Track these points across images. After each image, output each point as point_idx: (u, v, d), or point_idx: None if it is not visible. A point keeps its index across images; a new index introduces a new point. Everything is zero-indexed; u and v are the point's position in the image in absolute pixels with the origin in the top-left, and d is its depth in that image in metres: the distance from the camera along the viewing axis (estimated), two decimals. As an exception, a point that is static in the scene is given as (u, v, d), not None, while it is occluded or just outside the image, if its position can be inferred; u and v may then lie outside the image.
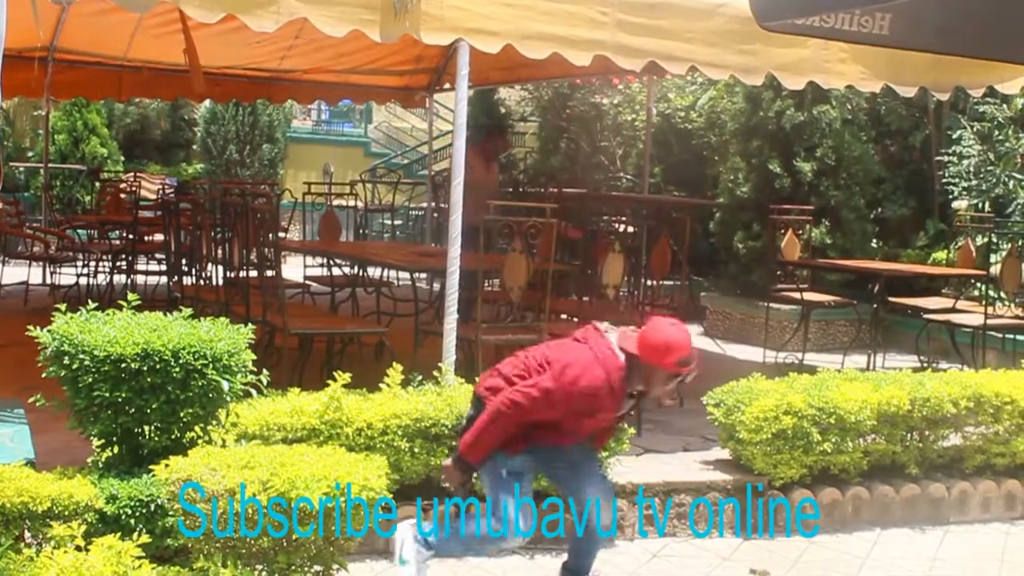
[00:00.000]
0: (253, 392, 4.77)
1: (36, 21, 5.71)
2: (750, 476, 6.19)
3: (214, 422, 4.71)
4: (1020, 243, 9.49)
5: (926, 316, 9.59)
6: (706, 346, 10.86)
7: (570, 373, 4.47)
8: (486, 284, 7.45)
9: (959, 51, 4.51)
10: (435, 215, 13.00)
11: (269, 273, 7.20)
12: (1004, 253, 9.55)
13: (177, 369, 4.40)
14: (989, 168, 11.30)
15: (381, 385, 5.56)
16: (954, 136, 11.65)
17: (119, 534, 3.97)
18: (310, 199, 11.83)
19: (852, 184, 11.58)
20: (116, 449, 4.64)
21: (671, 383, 4.58)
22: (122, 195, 13.38)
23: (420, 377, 5.80)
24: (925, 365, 9.29)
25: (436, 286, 9.75)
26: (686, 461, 6.49)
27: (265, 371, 4.75)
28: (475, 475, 4.82)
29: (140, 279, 10.79)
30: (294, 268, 10.40)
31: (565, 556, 5.45)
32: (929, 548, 6.15)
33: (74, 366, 4.39)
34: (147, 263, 11.12)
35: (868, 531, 6.30)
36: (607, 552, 5.67)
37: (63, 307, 4.63)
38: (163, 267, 10.36)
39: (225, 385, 4.51)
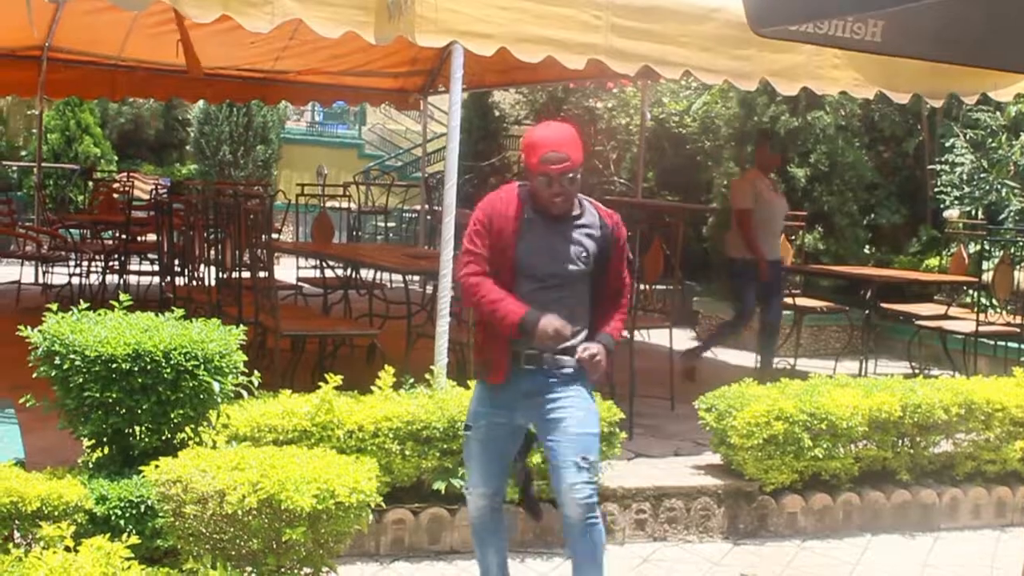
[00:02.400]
0: (244, 393, 4.76)
1: (30, 20, 5.71)
2: (741, 481, 6.19)
3: (205, 423, 4.70)
4: (1012, 250, 9.51)
5: (918, 322, 9.61)
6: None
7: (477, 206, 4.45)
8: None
9: (952, 59, 4.50)
10: (428, 217, 12.99)
11: (262, 274, 7.19)
12: (996, 260, 9.57)
13: (168, 370, 4.39)
14: (982, 175, 11.32)
15: (373, 387, 5.55)
16: (947, 144, 11.67)
17: (109, 535, 3.95)
18: (303, 200, 11.84)
19: (845, 190, 11.60)
20: (106, 449, 4.63)
21: (548, 186, 4.29)
22: (115, 195, 13.38)
23: (412, 380, 5.80)
24: (917, 371, 9.31)
25: (429, 288, 9.73)
26: (677, 466, 6.48)
27: (256, 372, 4.74)
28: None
29: (132, 279, 10.78)
30: (287, 269, 10.39)
31: (558, 560, 5.46)
32: (919, 554, 6.16)
33: (65, 366, 4.38)
34: (140, 263, 11.12)
35: (859, 537, 6.30)
36: (597, 556, 5.68)
37: (54, 307, 4.61)
38: (155, 267, 10.34)
39: (216, 386, 4.50)
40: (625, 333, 7.37)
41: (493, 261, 4.35)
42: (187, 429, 4.65)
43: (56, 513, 4.13)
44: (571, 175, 4.31)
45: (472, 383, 5.61)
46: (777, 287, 9.05)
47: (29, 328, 4.50)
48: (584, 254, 4.40)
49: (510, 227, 4.35)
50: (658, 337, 8.58)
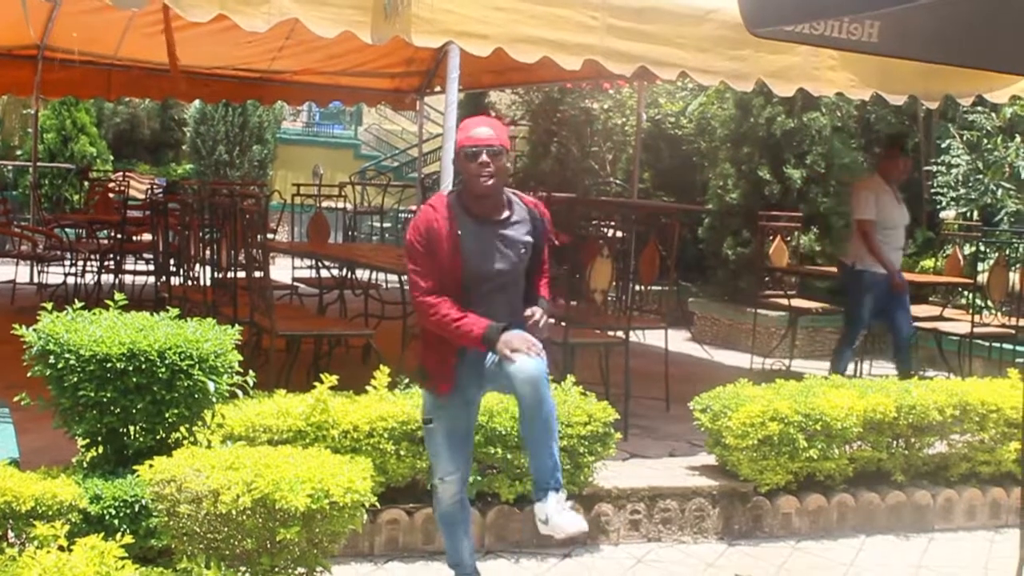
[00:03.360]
0: (239, 393, 4.75)
1: (26, 19, 5.71)
2: (736, 482, 6.19)
3: (199, 423, 4.70)
4: (1007, 252, 9.52)
5: (913, 324, 9.61)
6: (694, 351, 10.89)
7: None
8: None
9: (948, 60, 4.51)
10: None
11: (257, 274, 7.18)
12: (991, 262, 9.58)
13: (163, 369, 4.39)
14: (978, 177, 11.34)
15: (368, 388, 5.55)
16: (943, 145, 11.68)
17: (103, 534, 3.95)
18: (299, 200, 11.83)
19: (841, 191, 11.60)
20: (101, 449, 4.63)
21: (475, 159, 4.39)
22: (111, 195, 13.37)
23: (407, 380, 5.79)
24: (911, 372, 9.31)
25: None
26: (672, 466, 6.49)
27: (251, 372, 4.74)
28: None
29: (128, 279, 10.77)
30: (282, 269, 10.38)
31: (553, 560, 5.47)
32: (914, 555, 6.16)
33: (59, 365, 4.37)
34: (135, 263, 11.11)
35: (853, 538, 6.30)
36: (591, 557, 5.69)
37: (49, 306, 4.61)
38: (151, 267, 10.34)
39: (211, 386, 4.50)
40: (620, 333, 7.39)
41: (437, 275, 4.44)
42: (182, 429, 4.64)
43: (50, 512, 4.12)
44: (495, 148, 4.41)
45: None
46: (903, 301, 8.54)
47: (24, 327, 4.49)
48: (524, 251, 4.55)
49: (446, 241, 4.44)
50: (653, 338, 8.60)
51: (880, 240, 8.39)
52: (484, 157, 4.40)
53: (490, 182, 4.43)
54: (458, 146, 4.51)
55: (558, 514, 4.42)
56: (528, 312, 4.48)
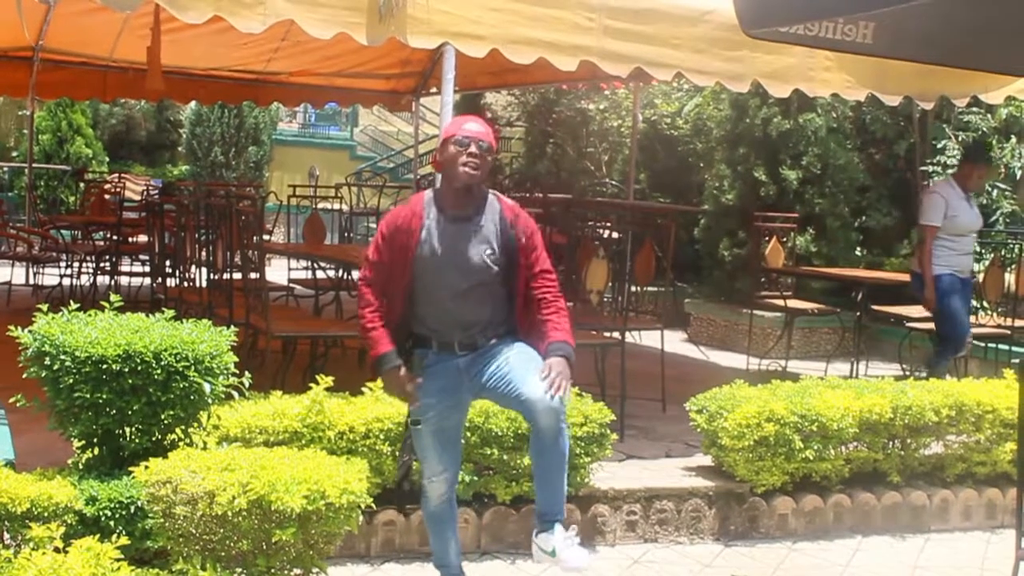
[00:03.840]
0: (235, 395, 4.75)
1: (22, 20, 5.70)
2: (732, 483, 6.20)
3: (195, 424, 4.69)
4: (1003, 253, 9.53)
5: (909, 324, 9.61)
6: (690, 352, 10.89)
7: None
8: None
9: (942, 60, 4.52)
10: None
11: (253, 275, 7.18)
12: (987, 263, 9.58)
13: (159, 371, 4.38)
14: (973, 177, 11.34)
15: (364, 389, 5.55)
16: (939, 146, 11.69)
17: (98, 536, 3.94)
18: (295, 202, 11.84)
19: (837, 192, 11.63)
20: (96, 450, 4.62)
21: (464, 149, 4.39)
22: (106, 196, 13.37)
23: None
24: (907, 373, 9.32)
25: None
26: (668, 467, 6.49)
27: (247, 374, 4.73)
28: None
29: (124, 280, 10.77)
30: (278, 271, 10.39)
31: (548, 562, 5.45)
32: (910, 556, 6.17)
33: (55, 367, 4.36)
34: (131, 264, 11.11)
35: (849, 538, 6.31)
36: (589, 558, 5.67)
37: (45, 307, 4.60)
38: (147, 268, 10.33)
39: (207, 387, 4.49)
40: (616, 334, 7.39)
41: (398, 272, 4.47)
42: (177, 430, 4.64)
43: (46, 514, 4.12)
44: (485, 144, 4.42)
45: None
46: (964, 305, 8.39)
47: (19, 329, 4.49)
48: (490, 252, 4.46)
49: (412, 237, 4.44)
50: (650, 339, 8.60)
51: (949, 246, 8.29)
52: (473, 148, 4.40)
53: (474, 172, 4.41)
54: (446, 136, 4.49)
55: (567, 549, 4.45)
56: (543, 373, 4.29)
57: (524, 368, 4.37)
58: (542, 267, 4.54)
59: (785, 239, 10.36)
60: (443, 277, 4.45)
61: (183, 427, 4.64)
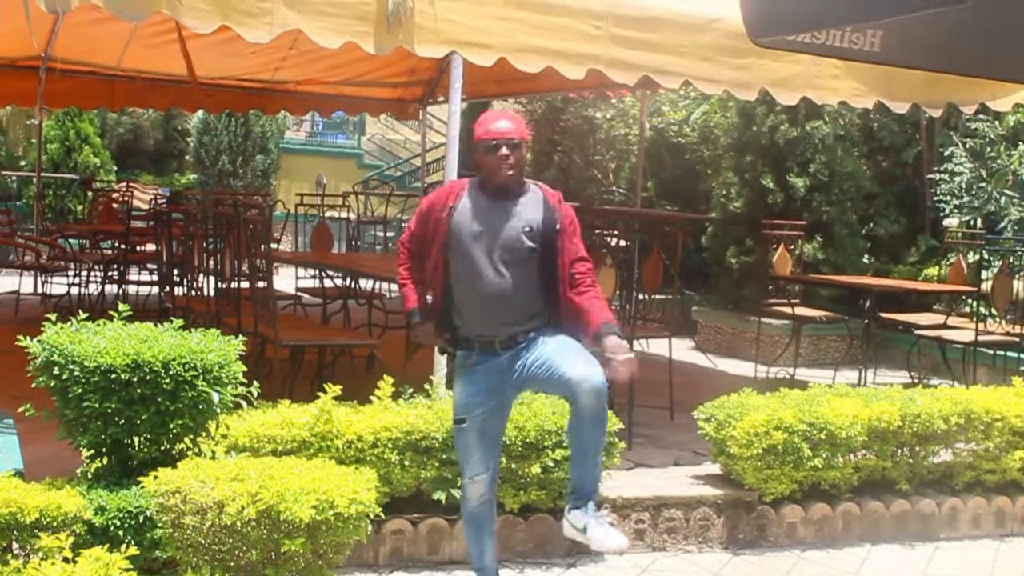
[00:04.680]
0: (243, 404, 4.75)
1: (30, 30, 5.71)
2: (741, 491, 6.19)
3: (204, 434, 4.69)
4: (1011, 260, 9.51)
5: (917, 332, 9.61)
6: (698, 360, 10.88)
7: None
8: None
9: (950, 69, 4.51)
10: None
11: (261, 284, 7.18)
12: (995, 270, 9.57)
13: (167, 380, 4.39)
14: (981, 185, 11.34)
15: (372, 398, 5.55)
16: (946, 153, 11.68)
17: (107, 546, 3.95)
18: (303, 210, 11.84)
19: (844, 200, 11.61)
20: (105, 460, 4.62)
21: (495, 151, 4.53)
22: (114, 205, 13.38)
23: (411, 390, 5.80)
24: (916, 381, 9.31)
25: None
26: (677, 476, 6.48)
27: (255, 383, 4.74)
28: None
29: (132, 289, 10.78)
30: (286, 279, 10.39)
31: (557, 570, 5.45)
32: (919, 564, 6.15)
33: (64, 376, 4.37)
34: (139, 273, 11.11)
35: (858, 547, 6.29)
36: (596, 566, 5.68)
37: (53, 317, 4.61)
38: (155, 277, 10.35)
39: (215, 397, 4.50)
40: (624, 343, 7.37)
41: (435, 250, 4.60)
42: (186, 439, 4.64)
43: (55, 524, 4.12)
44: (515, 140, 4.54)
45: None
46: None
47: (28, 338, 4.50)
48: (528, 229, 4.53)
49: (445, 212, 4.59)
50: (657, 347, 8.59)
51: None
52: (504, 150, 4.52)
53: (510, 172, 4.54)
54: (477, 139, 4.60)
55: (599, 527, 4.46)
56: (609, 350, 4.35)
57: (565, 351, 4.44)
58: (581, 254, 4.61)
59: (793, 247, 10.35)
60: (477, 253, 4.52)
61: (192, 436, 4.65)
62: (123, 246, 11.08)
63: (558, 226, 4.54)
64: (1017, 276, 9.43)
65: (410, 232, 4.78)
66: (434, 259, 4.62)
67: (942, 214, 11.64)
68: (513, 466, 5.49)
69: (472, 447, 4.66)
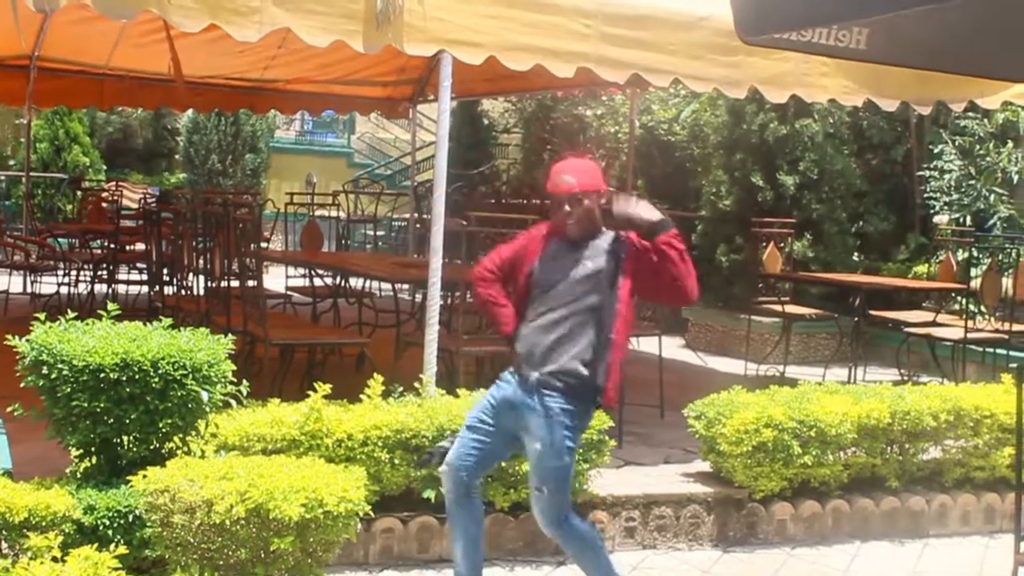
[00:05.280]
0: (233, 403, 4.75)
1: (18, 29, 5.70)
2: (731, 488, 6.19)
3: (193, 433, 4.69)
4: (1000, 257, 9.53)
5: (907, 329, 9.63)
6: (688, 358, 10.89)
7: None
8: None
9: (938, 66, 4.52)
10: (417, 226, 12.99)
11: (250, 283, 7.18)
12: (984, 267, 9.59)
13: (156, 379, 4.38)
14: (970, 182, 11.36)
15: (362, 396, 5.55)
16: (935, 151, 11.70)
17: (96, 545, 3.94)
18: (292, 209, 11.83)
19: (834, 198, 11.63)
20: (94, 459, 4.62)
21: (559, 207, 4.66)
22: (104, 204, 13.35)
23: (401, 388, 5.80)
24: (905, 378, 9.33)
25: (418, 297, 9.73)
26: (667, 473, 6.49)
27: (245, 382, 4.73)
28: None
29: (121, 289, 10.77)
30: (276, 278, 10.40)
31: (547, 568, 5.45)
32: (909, 561, 6.16)
33: (52, 376, 4.36)
34: (128, 273, 11.10)
35: (848, 544, 6.31)
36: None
37: (42, 316, 4.60)
38: (144, 277, 10.33)
39: (204, 395, 4.49)
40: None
41: (517, 286, 4.74)
42: (175, 439, 4.63)
43: (44, 523, 4.12)
44: (578, 195, 4.62)
45: (461, 391, 5.66)
46: None
47: (17, 338, 4.49)
48: (594, 273, 4.61)
49: (534, 248, 4.75)
50: (648, 344, 8.59)
51: None
52: (567, 207, 4.64)
53: (574, 226, 4.65)
54: (548, 193, 4.77)
55: None
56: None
57: (534, 469, 4.60)
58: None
59: (783, 244, 10.36)
60: (544, 293, 4.65)
61: (181, 435, 4.64)
62: (112, 245, 11.06)
63: (623, 264, 4.63)
64: (1006, 273, 9.46)
65: (500, 257, 4.86)
66: (518, 290, 4.75)
67: (931, 211, 11.66)
68: (503, 464, 5.49)
69: (458, 440, 4.76)
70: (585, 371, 4.54)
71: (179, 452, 4.60)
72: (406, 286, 10.59)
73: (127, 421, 4.42)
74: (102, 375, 4.33)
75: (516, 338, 4.69)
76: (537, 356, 4.58)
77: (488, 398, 4.74)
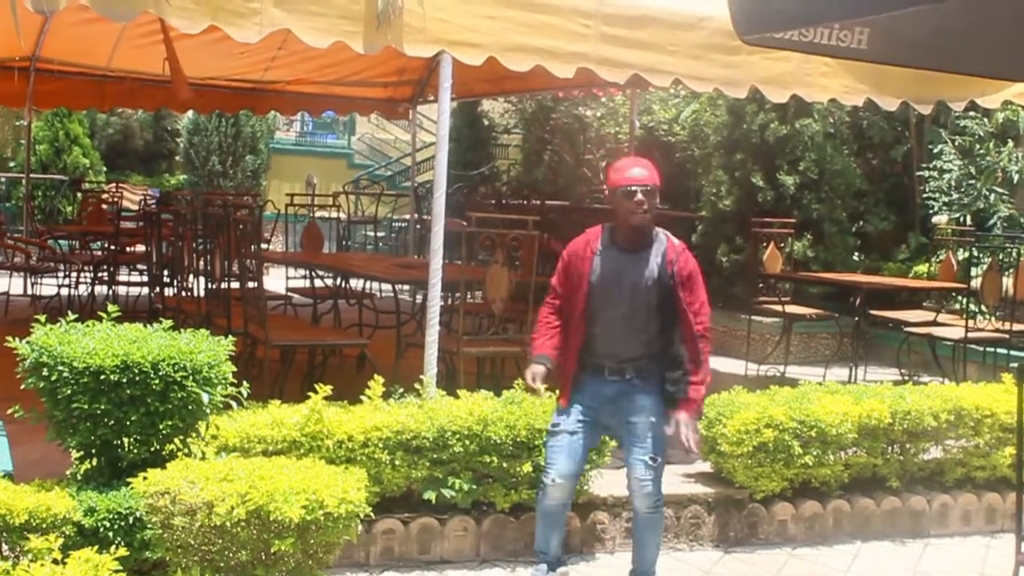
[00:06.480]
0: (233, 404, 4.74)
1: (18, 31, 5.70)
2: (731, 489, 6.19)
3: (194, 434, 4.68)
4: (1000, 257, 9.53)
5: (907, 329, 9.62)
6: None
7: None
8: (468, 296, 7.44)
9: (938, 66, 4.52)
10: (418, 227, 13.00)
11: (251, 284, 7.18)
12: (985, 267, 9.59)
13: (156, 381, 4.37)
14: (970, 182, 11.36)
15: (362, 397, 5.55)
16: (935, 150, 11.70)
17: (97, 547, 3.94)
18: (293, 210, 11.83)
19: (834, 197, 11.63)
20: (95, 461, 4.61)
21: (630, 198, 4.94)
22: (104, 206, 13.36)
23: (401, 389, 5.79)
24: (906, 378, 9.32)
25: (419, 298, 9.73)
26: (667, 474, 6.38)
27: (245, 383, 4.73)
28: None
29: (121, 290, 10.76)
30: (276, 280, 10.39)
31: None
32: (910, 561, 6.16)
33: (53, 378, 4.36)
34: (128, 274, 11.09)
35: (849, 544, 6.30)
36: (588, 565, 5.69)
37: (43, 318, 4.60)
38: (145, 278, 10.33)
39: (205, 397, 4.49)
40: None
41: (576, 296, 5.05)
42: (176, 440, 4.63)
43: (44, 525, 4.11)
44: (649, 187, 4.97)
45: (461, 392, 5.66)
46: None
47: (17, 339, 4.48)
48: (650, 282, 5.00)
49: (586, 264, 5.04)
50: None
51: None
52: (640, 196, 4.94)
53: (643, 216, 4.97)
54: (614, 185, 5.03)
55: None
56: (670, 428, 4.95)
57: (646, 437, 5.00)
58: (694, 311, 5.02)
59: (783, 244, 10.36)
60: (608, 300, 5.00)
61: (181, 437, 4.64)
62: (113, 247, 11.06)
63: (674, 279, 5.00)
64: (1006, 273, 9.45)
65: (554, 291, 5.18)
66: (578, 301, 5.04)
67: (931, 211, 11.66)
68: (504, 465, 5.49)
69: (559, 451, 5.07)
70: (652, 356, 5.04)
71: (180, 454, 4.60)
72: (407, 287, 10.62)
73: (127, 423, 4.41)
74: (102, 377, 4.33)
75: (592, 342, 5.04)
76: (615, 351, 5.03)
77: (572, 407, 5.07)
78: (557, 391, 5.15)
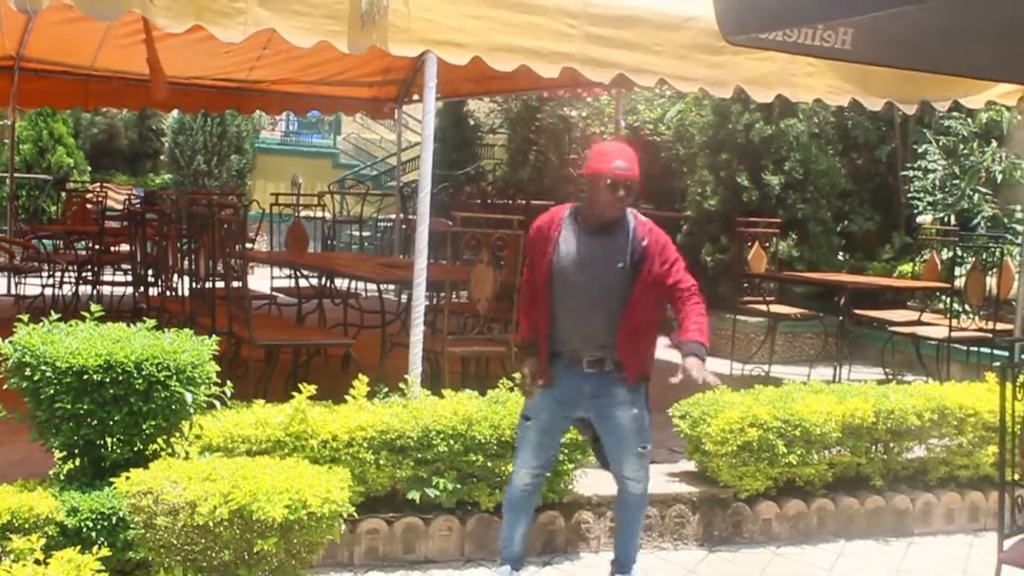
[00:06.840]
0: (217, 404, 4.73)
1: (1, 30, 5.68)
2: (716, 488, 6.20)
3: (177, 434, 4.68)
4: (984, 256, 9.56)
5: (891, 329, 9.65)
6: (673, 358, 10.88)
7: None
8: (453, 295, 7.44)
9: (921, 66, 4.55)
10: (403, 226, 12.99)
11: (235, 284, 7.16)
12: (968, 266, 9.62)
13: (140, 381, 4.37)
14: (954, 182, 11.40)
15: (347, 397, 5.54)
16: (920, 150, 11.74)
17: (80, 547, 3.93)
18: (278, 210, 11.81)
19: (819, 197, 11.66)
20: (78, 461, 4.60)
21: (613, 190, 4.84)
22: (88, 205, 13.32)
23: (386, 389, 5.79)
24: (890, 377, 9.34)
25: (404, 298, 9.72)
26: (652, 473, 6.42)
27: (229, 383, 4.72)
28: None
29: (106, 290, 10.73)
30: (261, 279, 10.37)
31: (532, 566, 5.45)
32: (893, 560, 6.18)
33: (36, 378, 4.34)
34: (113, 274, 11.06)
35: (833, 543, 6.32)
36: (572, 564, 5.69)
37: (26, 318, 4.58)
38: (129, 278, 10.30)
39: (188, 397, 4.48)
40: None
41: (540, 275, 4.97)
42: (159, 440, 4.62)
43: (27, 526, 4.10)
44: (630, 182, 4.88)
45: (446, 392, 5.66)
46: None
47: (0, 339, 4.47)
48: (620, 263, 4.86)
49: (549, 243, 4.93)
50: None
51: None
52: (621, 191, 4.85)
53: (621, 208, 4.90)
54: (595, 172, 4.88)
55: None
56: (684, 367, 4.85)
57: (631, 437, 5.00)
58: (675, 279, 4.95)
59: (768, 244, 10.38)
60: (576, 282, 4.88)
61: (165, 437, 4.63)
62: (97, 247, 11.02)
63: (649, 253, 4.88)
64: (990, 273, 9.49)
65: (528, 266, 5.18)
66: (540, 280, 4.97)
67: (916, 211, 11.70)
68: (489, 464, 5.49)
69: (530, 443, 5.06)
70: (635, 341, 4.96)
71: (163, 454, 4.59)
72: (392, 287, 10.61)
73: (111, 423, 4.41)
74: (85, 377, 4.32)
75: (558, 332, 4.95)
76: (589, 336, 4.92)
77: (546, 400, 5.01)
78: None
